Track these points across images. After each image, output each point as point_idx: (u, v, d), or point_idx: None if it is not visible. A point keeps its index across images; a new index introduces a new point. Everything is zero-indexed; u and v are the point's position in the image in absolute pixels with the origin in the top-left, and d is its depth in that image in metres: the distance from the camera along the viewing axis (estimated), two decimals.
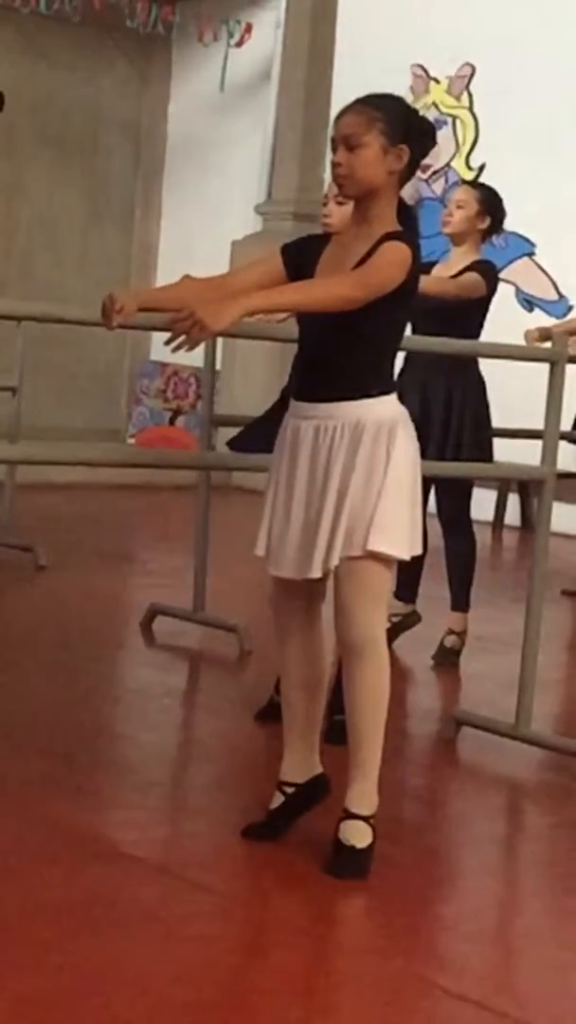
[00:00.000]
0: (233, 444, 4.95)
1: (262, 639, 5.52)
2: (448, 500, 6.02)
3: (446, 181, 10.73)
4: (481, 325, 5.87)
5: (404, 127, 3.55)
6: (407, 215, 3.65)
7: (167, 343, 3.38)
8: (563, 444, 4.83)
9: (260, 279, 3.59)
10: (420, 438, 3.72)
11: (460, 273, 5.82)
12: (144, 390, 12.50)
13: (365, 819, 3.63)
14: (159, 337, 9.64)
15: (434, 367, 5.77)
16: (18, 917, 3.22)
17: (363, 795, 3.64)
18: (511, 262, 10.32)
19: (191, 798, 4.29)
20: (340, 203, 4.21)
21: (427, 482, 4.88)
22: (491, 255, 6.24)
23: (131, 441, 12.25)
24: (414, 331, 4.49)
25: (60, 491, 8.95)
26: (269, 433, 3.83)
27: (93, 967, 3.02)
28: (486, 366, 5.86)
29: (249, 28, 11.79)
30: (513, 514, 10.53)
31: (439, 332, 5.11)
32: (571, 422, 7.52)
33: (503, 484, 10.28)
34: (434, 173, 10.93)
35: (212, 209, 12.12)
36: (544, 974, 3.29)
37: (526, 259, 10.49)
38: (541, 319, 9.31)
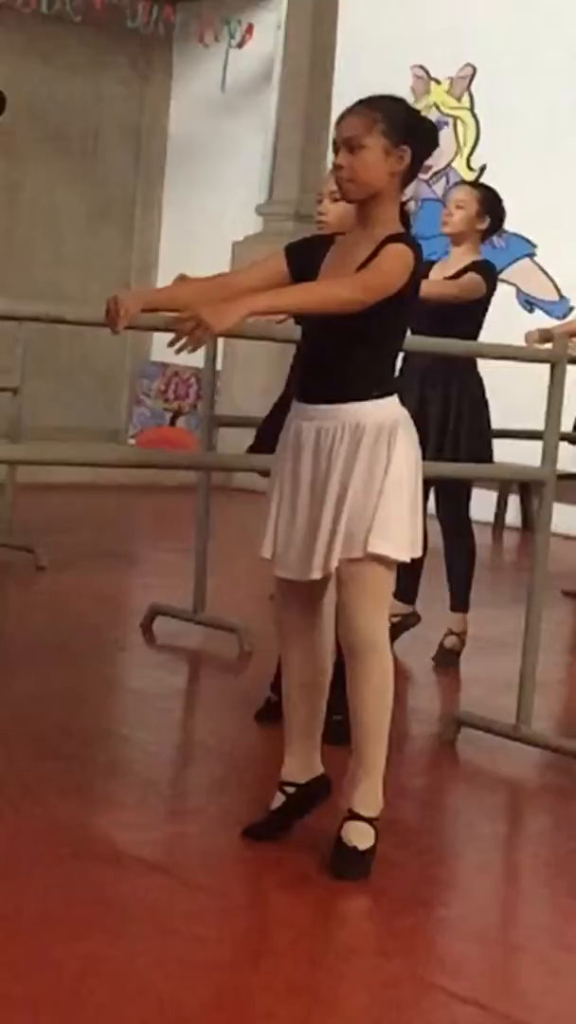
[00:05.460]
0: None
1: (262, 639, 5.53)
2: (447, 501, 6.03)
3: (447, 182, 10.73)
4: (480, 326, 5.87)
5: (405, 128, 3.55)
6: (401, 215, 3.66)
7: (170, 344, 3.38)
8: (563, 445, 4.83)
9: (262, 279, 3.59)
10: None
11: (459, 273, 5.82)
12: (145, 391, 12.51)
13: (369, 820, 3.64)
14: (160, 338, 9.64)
15: (432, 370, 5.77)
16: (18, 917, 3.22)
17: (368, 796, 3.65)
18: (512, 263, 10.32)
19: (191, 798, 4.29)
20: (336, 200, 4.21)
21: (426, 483, 4.88)
22: (492, 256, 6.24)
23: (132, 442, 12.26)
24: (413, 332, 4.50)
25: (60, 491, 8.95)
26: (275, 432, 3.83)
27: (93, 967, 3.02)
28: (487, 367, 5.86)
29: (250, 29, 11.79)
30: (514, 515, 10.53)
31: (438, 333, 5.11)
32: (571, 423, 7.52)
33: (504, 485, 10.28)
34: (435, 174, 10.93)
35: (213, 209, 12.12)
36: (544, 974, 3.29)
37: (527, 260, 10.49)
38: (542, 320, 9.31)
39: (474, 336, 5.80)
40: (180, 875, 3.55)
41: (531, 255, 10.48)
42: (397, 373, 3.85)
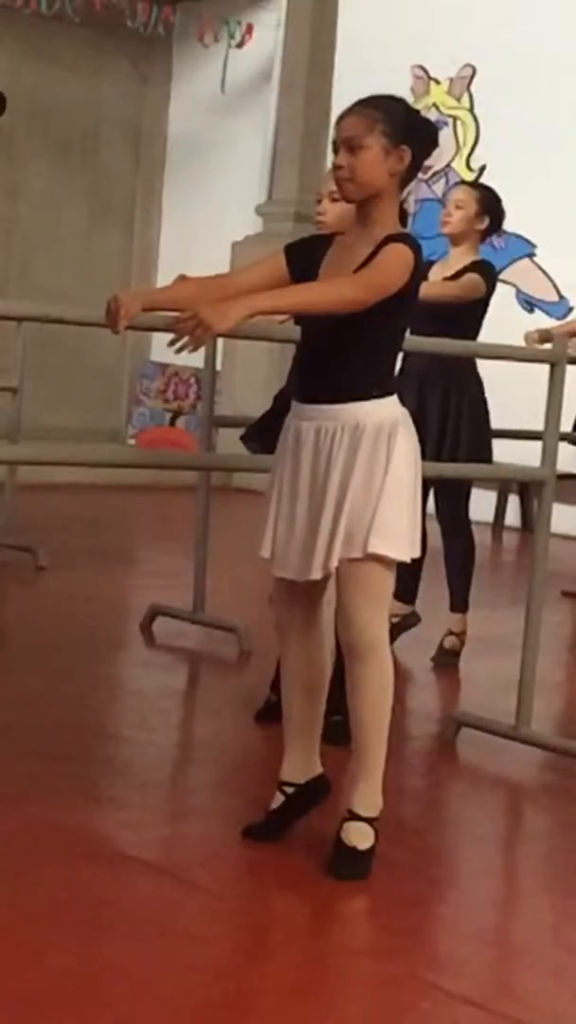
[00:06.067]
0: (246, 437, 4.94)
1: (262, 639, 5.53)
2: (447, 501, 6.03)
3: (447, 182, 10.74)
4: (480, 325, 5.87)
5: (405, 128, 3.55)
6: (400, 214, 3.66)
7: (171, 344, 3.38)
8: (563, 445, 4.83)
9: (262, 279, 3.59)
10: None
11: (459, 273, 5.83)
12: (144, 391, 12.51)
13: (368, 821, 3.64)
14: (159, 338, 9.65)
15: (431, 371, 5.77)
16: (18, 917, 3.22)
17: (367, 797, 3.64)
18: (511, 263, 10.33)
19: (191, 798, 4.29)
20: (335, 200, 4.21)
21: (426, 483, 4.89)
22: (491, 256, 6.25)
23: (131, 442, 12.26)
24: (413, 332, 4.50)
25: (60, 491, 8.95)
26: (274, 433, 3.83)
27: (93, 967, 3.02)
28: (486, 367, 5.86)
29: (250, 29, 11.80)
30: (513, 515, 10.53)
31: (439, 333, 5.12)
32: (571, 423, 7.53)
33: (503, 485, 10.29)
34: (435, 174, 10.94)
35: (213, 210, 12.13)
36: (544, 975, 3.29)
37: (526, 260, 10.50)
38: (541, 320, 9.32)
39: (474, 336, 5.80)
40: (180, 875, 3.55)
41: (531, 255, 10.49)
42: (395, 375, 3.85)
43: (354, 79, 9.15)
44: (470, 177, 10.47)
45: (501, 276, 6.28)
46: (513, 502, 10.55)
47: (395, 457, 3.55)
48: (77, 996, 2.90)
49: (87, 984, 2.95)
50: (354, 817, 3.64)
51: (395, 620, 5.82)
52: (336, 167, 3.58)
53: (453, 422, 5.82)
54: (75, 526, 8.65)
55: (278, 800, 3.79)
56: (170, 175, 12.85)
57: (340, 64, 10.92)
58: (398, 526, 3.57)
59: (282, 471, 3.66)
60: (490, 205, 5.94)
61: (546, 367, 4.69)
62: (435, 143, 3.69)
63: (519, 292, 10.52)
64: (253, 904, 3.54)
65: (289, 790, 3.78)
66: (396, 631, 5.83)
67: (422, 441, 3.76)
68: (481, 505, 7.44)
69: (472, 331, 5.80)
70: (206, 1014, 2.91)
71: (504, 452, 5.95)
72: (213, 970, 3.10)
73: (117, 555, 8.08)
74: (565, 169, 10.11)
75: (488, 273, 5.87)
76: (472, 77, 10.94)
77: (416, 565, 5.33)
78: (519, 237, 10.23)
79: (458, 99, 11.05)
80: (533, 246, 10.45)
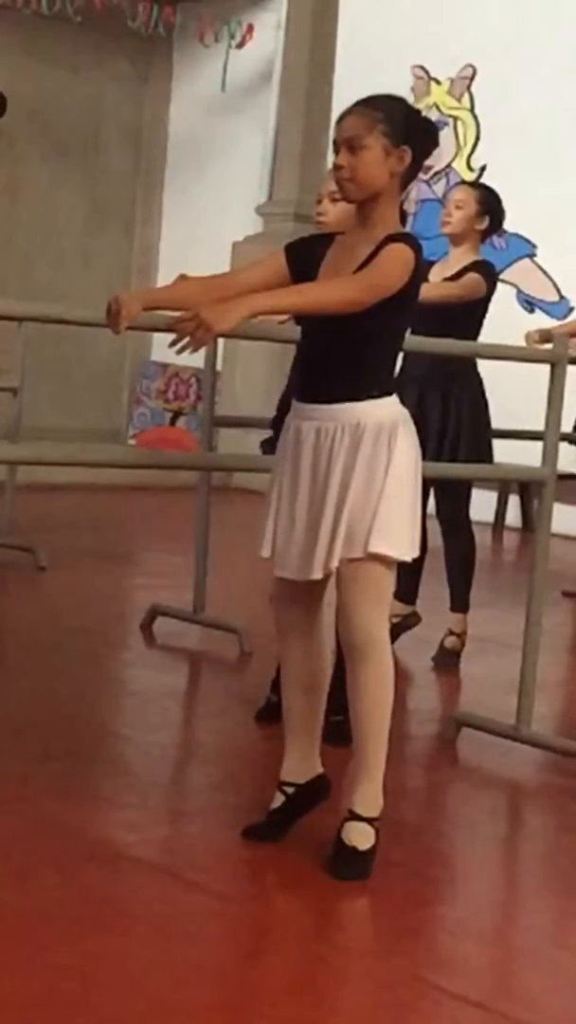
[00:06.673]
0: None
1: (262, 640, 5.53)
2: (447, 501, 6.03)
3: (447, 182, 10.74)
4: (480, 326, 5.87)
5: (406, 128, 3.55)
6: (400, 214, 3.66)
7: (171, 344, 3.38)
8: (563, 445, 4.83)
9: (263, 279, 3.59)
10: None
11: (459, 273, 5.83)
12: (145, 391, 12.51)
13: (369, 821, 3.64)
14: (160, 338, 9.65)
15: (431, 374, 5.76)
16: (18, 917, 3.22)
17: (368, 797, 3.64)
18: (512, 263, 10.32)
19: (191, 799, 4.29)
20: (335, 200, 4.21)
21: (426, 483, 4.89)
22: (492, 256, 6.24)
23: (132, 442, 12.26)
24: (414, 333, 4.50)
25: (60, 492, 8.95)
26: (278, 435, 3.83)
27: (93, 967, 3.02)
28: (487, 367, 5.86)
29: (250, 29, 11.79)
30: (514, 515, 10.53)
31: (438, 334, 5.12)
32: (571, 423, 7.52)
33: (504, 485, 10.28)
34: (435, 174, 10.94)
35: (213, 210, 12.13)
36: (544, 975, 3.29)
37: (527, 260, 10.49)
38: (542, 320, 9.31)
39: (475, 336, 5.80)
40: (180, 875, 3.55)
41: (531, 255, 10.49)
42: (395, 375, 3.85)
43: (354, 79, 9.16)
44: (470, 177, 10.46)
45: (502, 276, 6.28)
46: (513, 502, 10.55)
47: (396, 457, 3.55)
48: (77, 995, 2.90)
49: (87, 984, 2.95)
50: (355, 817, 3.64)
51: (395, 620, 5.82)
52: (336, 167, 3.58)
53: (453, 422, 5.82)
54: (75, 526, 8.65)
55: (278, 800, 3.79)
56: (170, 175, 12.85)
57: (340, 64, 10.92)
58: (399, 526, 3.57)
59: (282, 471, 3.66)
60: (490, 205, 5.93)
61: (546, 367, 4.69)
62: (435, 143, 3.69)
63: (519, 292, 10.52)
64: (253, 904, 3.54)
65: (289, 790, 3.78)
66: (396, 631, 5.83)
67: (422, 441, 3.76)
68: (481, 505, 7.44)
69: (472, 331, 5.80)
70: (206, 1014, 2.91)
71: (504, 452, 5.95)
72: (213, 970, 3.10)
73: (117, 555, 8.08)
74: (565, 169, 10.11)
75: (488, 273, 5.87)
76: (473, 77, 10.94)
77: (416, 565, 5.33)
78: (519, 237, 10.23)
79: (459, 99, 11.05)
80: (533, 246, 10.45)
